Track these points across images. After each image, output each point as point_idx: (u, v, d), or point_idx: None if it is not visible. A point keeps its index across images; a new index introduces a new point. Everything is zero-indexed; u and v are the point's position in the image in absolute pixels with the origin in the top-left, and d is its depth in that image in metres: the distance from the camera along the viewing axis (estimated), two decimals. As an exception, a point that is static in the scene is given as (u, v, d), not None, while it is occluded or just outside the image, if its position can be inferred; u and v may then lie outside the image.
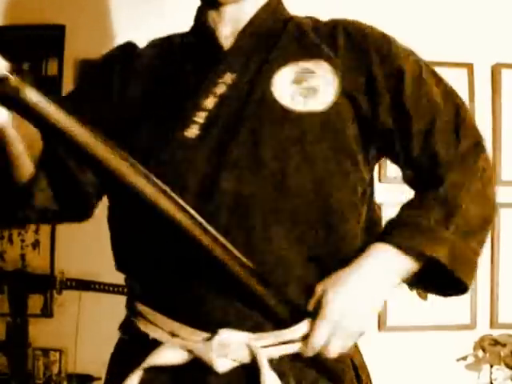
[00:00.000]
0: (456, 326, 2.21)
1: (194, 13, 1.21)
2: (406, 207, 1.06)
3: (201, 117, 1.04)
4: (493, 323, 2.24)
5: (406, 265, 1.02)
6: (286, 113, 1.03)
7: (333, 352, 0.99)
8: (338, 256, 1.03)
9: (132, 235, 1.05)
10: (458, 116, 1.11)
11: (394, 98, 1.07)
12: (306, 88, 1.05)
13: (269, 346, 0.99)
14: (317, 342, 0.98)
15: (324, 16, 1.19)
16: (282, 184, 1.00)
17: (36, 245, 2.13)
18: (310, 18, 1.18)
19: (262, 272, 0.98)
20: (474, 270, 1.04)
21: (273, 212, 0.99)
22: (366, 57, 1.08)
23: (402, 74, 1.08)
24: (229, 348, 0.98)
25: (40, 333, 2.08)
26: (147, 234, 1.02)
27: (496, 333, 2.20)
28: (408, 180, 1.12)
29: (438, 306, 2.21)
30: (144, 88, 1.12)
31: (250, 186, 0.99)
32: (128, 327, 1.09)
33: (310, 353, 0.99)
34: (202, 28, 1.15)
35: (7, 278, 2.07)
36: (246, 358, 0.99)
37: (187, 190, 0.99)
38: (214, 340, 0.98)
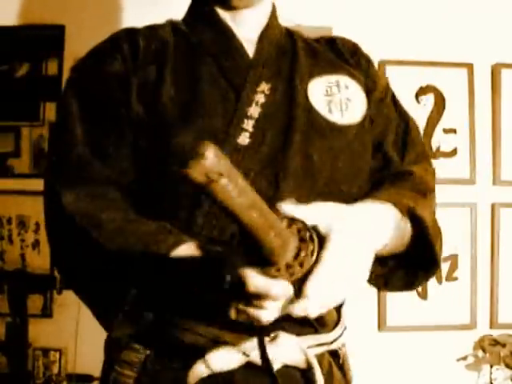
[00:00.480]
0: (456, 326, 2.21)
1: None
2: (387, 185, 1.10)
3: (249, 125, 1.04)
4: (493, 323, 2.24)
5: (399, 220, 1.00)
6: (329, 124, 1.07)
7: (327, 304, 0.87)
8: None
9: None
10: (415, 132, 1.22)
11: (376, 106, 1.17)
12: (339, 101, 1.10)
13: (310, 347, 1.02)
14: (314, 287, 0.83)
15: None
16: (334, 192, 1.04)
17: (36, 245, 2.13)
18: (298, 31, 1.21)
19: None
20: (441, 248, 1.10)
21: None
22: (362, 71, 1.17)
23: (387, 92, 1.20)
24: (284, 350, 1.00)
25: (40, 333, 2.08)
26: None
27: (496, 333, 2.20)
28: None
29: (438, 306, 2.22)
30: (176, 87, 1.07)
31: (306, 196, 1.00)
32: (147, 339, 1.03)
33: (300, 305, 0.84)
34: (219, 26, 1.12)
35: (7, 278, 2.07)
36: (296, 359, 1.01)
37: None
38: (274, 343, 0.99)
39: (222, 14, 1.12)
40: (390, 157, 1.15)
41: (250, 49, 1.11)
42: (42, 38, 2.15)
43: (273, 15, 1.16)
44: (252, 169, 1.01)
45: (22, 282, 2.04)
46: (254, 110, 1.05)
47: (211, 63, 1.09)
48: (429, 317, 2.20)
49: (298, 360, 1.01)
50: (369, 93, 1.15)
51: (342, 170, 1.06)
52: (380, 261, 1.05)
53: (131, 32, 1.12)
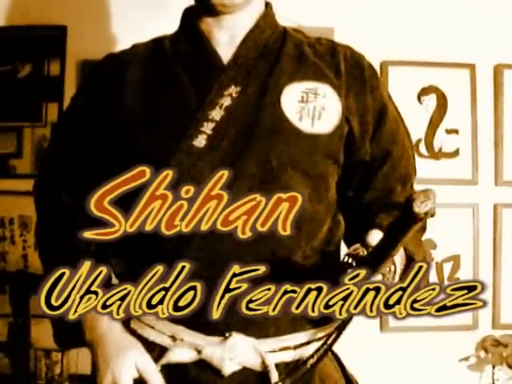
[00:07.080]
0: (458, 327, 2.20)
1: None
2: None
3: (208, 128, 1.06)
4: (495, 324, 2.24)
5: None
6: (296, 131, 1.07)
7: None
8: None
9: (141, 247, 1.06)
10: (414, 159, 1.22)
11: (375, 131, 1.14)
12: (313, 109, 1.09)
13: (271, 352, 1.02)
14: None
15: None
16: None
17: (38, 245, 2.13)
18: (300, 32, 1.20)
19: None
20: None
21: None
22: (363, 86, 1.14)
23: (386, 110, 1.16)
24: (238, 351, 1.00)
25: (42, 333, 2.07)
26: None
27: (498, 333, 2.19)
28: (360, 203, 1.17)
29: (440, 306, 2.21)
30: (141, 96, 1.12)
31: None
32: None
33: None
34: (196, 34, 1.14)
35: (9, 279, 2.07)
36: (252, 361, 1.01)
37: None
38: (227, 343, 1.00)
39: (205, 19, 1.12)
40: (392, 187, 1.16)
41: (229, 53, 1.11)
42: (44, 39, 2.15)
43: (264, 16, 1.15)
44: (205, 171, 1.03)
45: (24, 282, 2.04)
46: (217, 113, 1.07)
47: (181, 73, 1.11)
48: (431, 317, 2.20)
49: (253, 362, 1.02)
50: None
51: (299, 177, 1.07)
52: None
53: (104, 61, 1.20)
